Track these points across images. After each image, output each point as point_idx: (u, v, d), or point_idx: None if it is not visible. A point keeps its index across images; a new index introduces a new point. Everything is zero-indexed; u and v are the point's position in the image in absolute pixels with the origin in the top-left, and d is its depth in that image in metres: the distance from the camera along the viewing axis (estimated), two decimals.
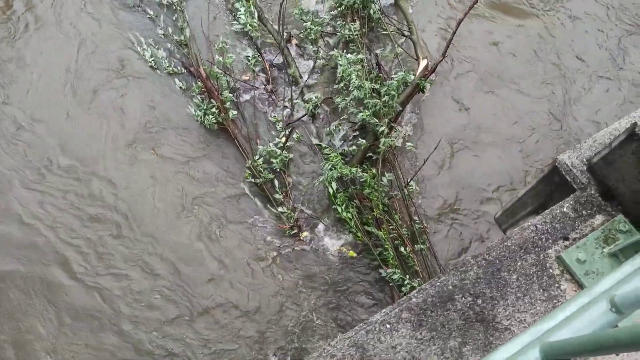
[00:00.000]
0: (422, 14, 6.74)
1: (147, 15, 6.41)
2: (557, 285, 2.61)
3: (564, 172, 2.90)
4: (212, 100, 5.88)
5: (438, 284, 2.69)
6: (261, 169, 5.60)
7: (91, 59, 6.11)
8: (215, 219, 5.46)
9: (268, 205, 5.57)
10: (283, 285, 5.23)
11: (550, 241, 2.73)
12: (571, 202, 2.83)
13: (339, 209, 5.33)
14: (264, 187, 5.58)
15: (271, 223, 5.50)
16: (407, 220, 5.45)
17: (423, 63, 5.75)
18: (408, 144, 5.80)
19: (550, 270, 2.66)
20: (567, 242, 2.72)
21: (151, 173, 5.61)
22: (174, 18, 6.41)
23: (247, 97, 6.17)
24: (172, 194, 5.54)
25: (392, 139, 5.46)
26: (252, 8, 6.36)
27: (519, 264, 2.68)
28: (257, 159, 5.63)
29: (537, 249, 2.72)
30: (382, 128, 5.39)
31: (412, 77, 5.69)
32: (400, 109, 5.65)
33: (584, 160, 2.91)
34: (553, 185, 3.00)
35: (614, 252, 2.60)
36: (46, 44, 6.16)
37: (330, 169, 5.38)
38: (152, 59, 6.13)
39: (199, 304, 5.06)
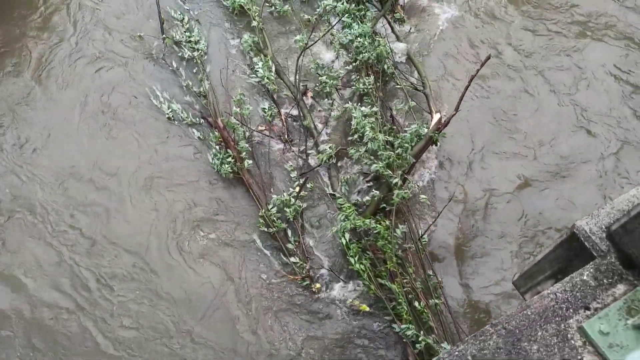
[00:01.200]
0: (435, 68, 6.91)
1: (170, 68, 6.65)
2: (579, 357, 2.55)
3: (582, 239, 2.88)
4: (228, 150, 6.00)
5: (456, 353, 2.64)
6: (274, 218, 5.62)
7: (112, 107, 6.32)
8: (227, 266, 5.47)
9: (280, 254, 5.56)
10: (292, 338, 5.15)
11: (571, 310, 2.69)
12: (591, 270, 2.80)
13: (352, 261, 5.30)
14: (277, 236, 5.59)
15: (282, 273, 5.48)
16: (421, 274, 5.39)
17: (436, 116, 5.84)
18: (422, 196, 5.82)
19: (572, 342, 2.60)
20: (588, 312, 2.67)
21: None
22: (194, 71, 6.64)
23: (262, 147, 6.27)
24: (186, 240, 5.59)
25: (405, 191, 5.48)
26: (270, 62, 6.57)
27: (540, 333, 2.63)
28: (271, 208, 5.67)
29: (557, 319, 2.67)
30: (396, 180, 5.43)
31: (426, 130, 5.77)
32: (414, 161, 5.70)
33: (603, 227, 2.90)
34: (572, 250, 2.97)
35: (638, 325, 2.54)
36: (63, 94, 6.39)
37: (344, 220, 5.39)
38: (170, 110, 6.30)
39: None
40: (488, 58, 5.46)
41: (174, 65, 6.64)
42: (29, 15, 6.93)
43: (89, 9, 7.03)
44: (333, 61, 6.86)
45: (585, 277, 2.78)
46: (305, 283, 5.40)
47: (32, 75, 6.49)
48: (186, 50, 6.70)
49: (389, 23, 7.07)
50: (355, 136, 5.97)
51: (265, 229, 5.63)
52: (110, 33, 6.86)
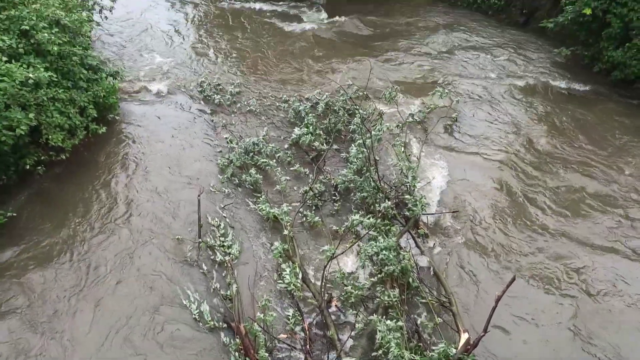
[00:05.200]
0: (459, 281, 6.96)
1: (201, 270, 6.92)
2: None
3: None
4: (247, 358, 5.79)
5: None
6: None
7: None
8: None
9: None
10: None
11: None
12: None
13: None
14: None
15: None
16: None
17: (464, 337, 5.66)
18: None
19: None
20: None
21: None
22: (223, 274, 6.88)
23: (283, 355, 6.05)
24: None
25: None
26: (297, 269, 6.80)
27: None
28: None
29: None
30: None
31: (454, 350, 5.53)
32: None
33: None
34: None
35: None
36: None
37: None
38: (197, 311, 6.34)
39: None
40: (513, 280, 5.54)
41: (205, 268, 6.91)
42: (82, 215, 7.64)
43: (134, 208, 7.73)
44: (358, 272, 7.04)
45: None
46: None
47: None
48: (219, 254, 7.06)
49: (413, 238, 7.42)
50: (380, 352, 5.74)
51: None
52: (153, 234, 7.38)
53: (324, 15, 14.73)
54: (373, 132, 8.73)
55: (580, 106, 10.73)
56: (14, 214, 7.26)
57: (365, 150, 8.47)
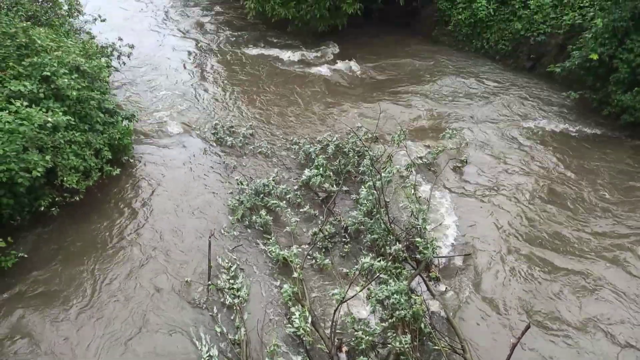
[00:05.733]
0: (475, 333, 6.77)
1: (210, 314, 6.84)
2: None
3: None
4: None
5: None
6: None
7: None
8: None
9: None
10: None
11: None
12: None
13: None
14: None
15: None
16: None
17: None
18: None
19: None
20: None
21: None
22: (232, 317, 6.78)
23: None
24: None
25: None
26: (307, 312, 6.69)
27: None
28: None
29: None
30: None
31: None
32: None
33: None
34: None
35: None
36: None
37: None
38: (207, 355, 6.22)
39: None
40: (528, 327, 5.40)
41: (215, 311, 6.83)
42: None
43: (149, 254, 7.74)
44: (368, 316, 6.90)
45: None
46: None
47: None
48: (228, 297, 6.99)
49: (425, 282, 7.31)
50: None
51: None
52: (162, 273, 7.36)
53: (333, 59, 15.13)
54: (383, 174, 8.78)
55: (590, 149, 10.72)
56: (25, 255, 7.32)
57: (375, 192, 8.49)
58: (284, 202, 8.91)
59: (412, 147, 10.47)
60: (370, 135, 10.48)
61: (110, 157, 8.62)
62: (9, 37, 8.21)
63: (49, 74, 7.84)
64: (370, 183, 8.63)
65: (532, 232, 8.38)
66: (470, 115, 11.98)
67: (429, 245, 7.61)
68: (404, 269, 7.44)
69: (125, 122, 9.52)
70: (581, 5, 13.08)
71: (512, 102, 12.50)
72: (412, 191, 8.80)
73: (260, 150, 10.42)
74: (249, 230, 8.38)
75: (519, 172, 9.93)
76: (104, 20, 12.33)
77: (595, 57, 10.90)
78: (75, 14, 12.01)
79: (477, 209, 8.97)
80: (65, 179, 7.61)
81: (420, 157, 10.13)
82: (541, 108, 12.30)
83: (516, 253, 7.96)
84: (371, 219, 8.23)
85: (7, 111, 7.07)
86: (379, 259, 7.38)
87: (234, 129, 11.06)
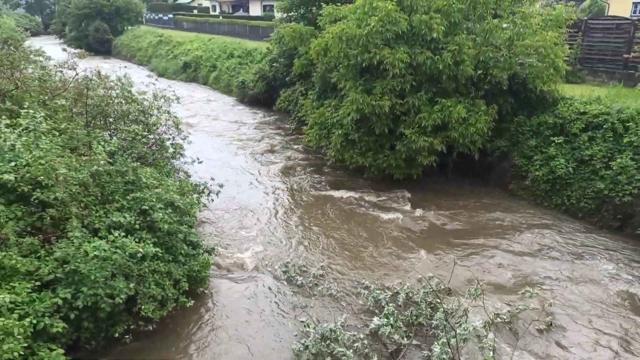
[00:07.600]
0: None
1: None
2: None
3: None
4: None
5: None
6: None
7: None
8: None
9: None
10: None
11: None
12: None
13: None
14: None
15: None
16: None
17: None
18: None
19: None
20: None
21: None
22: None
23: None
24: None
25: None
26: None
27: None
28: None
29: None
30: None
31: None
32: None
33: None
34: None
35: None
36: None
37: None
38: None
39: None
40: None
41: None
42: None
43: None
44: None
45: None
46: None
47: None
48: None
49: None
50: None
51: None
52: None
53: (408, 206, 15.41)
54: (458, 330, 8.21)
55: None
56: None
57: (449, 350, 7.88)
58: (351, 350, 8.48)
59: (488, 302, 9.86)
60: (442, 287, 10.09)
61: (186, 288, 8.94)
62: (120, 174, 9.40)
63: (147, 207, 8.69)
64: (444, 340, 8.06)
65: None
66: (553, 274, 11.26)
67: None
68: None
69: (205, 255, 10.02)
70: None
71: (599, 262, 11.69)
72: (491, 353, 8.06)
73: (329, 292, 10.33)
74: None
75: (616, 343, 8.85)
76: (200, 162, 13.80)
77: None
78: (178, 156, 13.60)
79: None
80: (143, 307, 7.92)
81: (498, 314, 9.45)
82: (634, 269, 11.33)
83: None
84: None
85: (106, 240, 7.79)
86: None
87: (305, 268, 11.19)
